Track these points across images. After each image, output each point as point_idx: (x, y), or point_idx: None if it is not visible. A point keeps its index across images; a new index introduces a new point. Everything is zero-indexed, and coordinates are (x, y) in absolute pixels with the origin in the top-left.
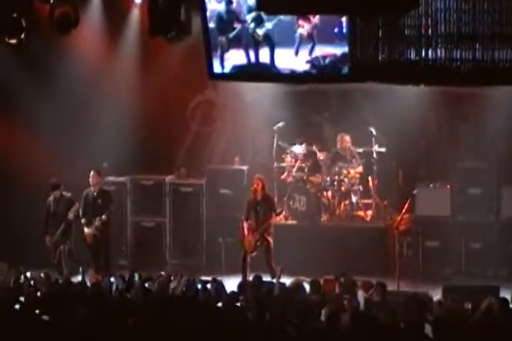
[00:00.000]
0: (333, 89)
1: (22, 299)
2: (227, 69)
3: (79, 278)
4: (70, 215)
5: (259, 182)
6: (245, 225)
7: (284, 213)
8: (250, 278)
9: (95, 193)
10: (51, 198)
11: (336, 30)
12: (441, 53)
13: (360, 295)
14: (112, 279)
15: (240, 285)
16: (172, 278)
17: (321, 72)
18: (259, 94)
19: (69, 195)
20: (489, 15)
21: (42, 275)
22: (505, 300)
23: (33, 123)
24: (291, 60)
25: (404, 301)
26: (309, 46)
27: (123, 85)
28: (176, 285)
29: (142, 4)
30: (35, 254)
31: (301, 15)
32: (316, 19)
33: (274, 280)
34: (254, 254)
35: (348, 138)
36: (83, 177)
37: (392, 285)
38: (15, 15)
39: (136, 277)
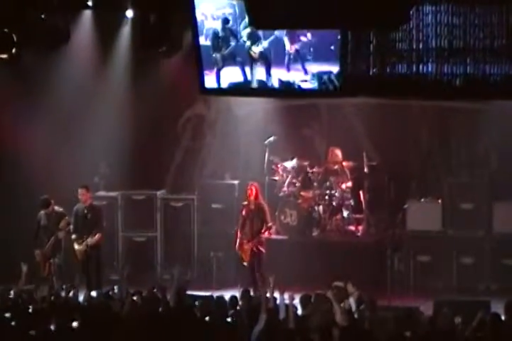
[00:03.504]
0: (324, 103)
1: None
2: (223, 86)
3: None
4: (60, 234)
5: (253, 188)
6: (239, 235)
7: (274, 228)
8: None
9: (85, 209)
10: (42, 212)
11: (332, 47)
12: (432, 67)
13: (352, 302)
14: (94, 293)
15: (231, 300)
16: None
17: (315, 87)
18: (250, 108)
19: (61, 209)
20: (480, 29)
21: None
22: (496, 315)
23: (24, 137)
24: (286, 76)
25: (394, 316)
26: (305, 63)
27: (114, 99)
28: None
29: (133, 19)
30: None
31: (292, 30)
32: (307, 37)
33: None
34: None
35: (339, 152)
36: (75, 191)
37: (383, 299)
38: (6, 30)
39: (124, 291)
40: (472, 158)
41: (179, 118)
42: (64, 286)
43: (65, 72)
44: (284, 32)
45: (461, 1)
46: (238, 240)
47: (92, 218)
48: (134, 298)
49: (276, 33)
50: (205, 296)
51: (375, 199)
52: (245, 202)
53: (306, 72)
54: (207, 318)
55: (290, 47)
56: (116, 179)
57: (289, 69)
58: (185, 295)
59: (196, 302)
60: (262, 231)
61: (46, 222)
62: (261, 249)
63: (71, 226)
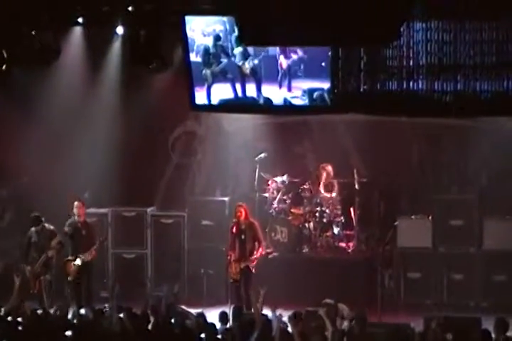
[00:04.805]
0: (315, 119)
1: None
2: (214, 102)
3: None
4: (50, 252)
5: (241, 209)
6: (229, 253)
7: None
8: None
9: (80, 224)
10: (33, 229)
11: (323, 64)
12: (422, 84)
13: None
14: (82, 310)
15: (221, 317)
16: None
17: (306, 104)
18: (240, 124)
19: (51, 227)
20: (470, 46)
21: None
22: (487, 331)
23: (14, 153)
24: (276, 93)
25: (386, 333)
26: (293, 80)
27: (104, 116)
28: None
29: (124, 35)
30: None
31: (282, 46)
32: (298, 54)
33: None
34: (231, 281)
35: (329, 168)
36: (64, 208)
37: (373, 316)
38: None
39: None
40: (462, 174)
41: (170, 135)
42: (54, 304)
43: (55, 89)
44: (277, 49)
45: (452, 17)
46: (228, 258)
47: (87, 234)
48: (121, 315)
49: (269, 49)
50: (195, 313)
51: (366, 216)
52: (235, 220)
53: (289, 89)
54: (202, 335)
55: (282, 64)
56: (106, 195)
57: (280, 86)
58: (174, 313)
59: (186, 319)
60: (256, 249)
61: (36, 239)
62: (251, 268)
63: (64, 243)
